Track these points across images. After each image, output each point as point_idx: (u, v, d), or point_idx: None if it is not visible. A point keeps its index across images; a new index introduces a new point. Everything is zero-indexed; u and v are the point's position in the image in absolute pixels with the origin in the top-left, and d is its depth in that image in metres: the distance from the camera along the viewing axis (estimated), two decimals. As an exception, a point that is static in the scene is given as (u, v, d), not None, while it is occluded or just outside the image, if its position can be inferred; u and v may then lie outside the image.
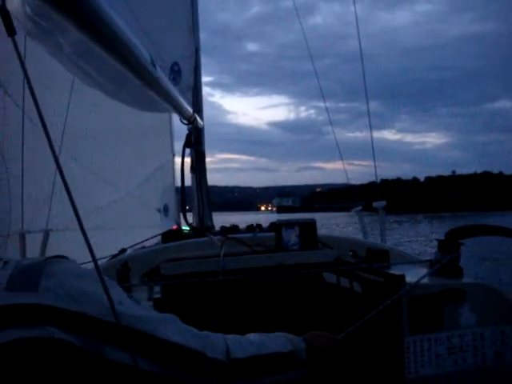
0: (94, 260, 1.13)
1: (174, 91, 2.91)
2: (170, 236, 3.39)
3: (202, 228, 3.85)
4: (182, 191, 3.95)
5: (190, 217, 4.46)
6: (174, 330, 1.22)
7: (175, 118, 5.28)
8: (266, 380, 1.39)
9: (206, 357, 1.25)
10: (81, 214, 3.92)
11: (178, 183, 4.94)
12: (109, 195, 4.66)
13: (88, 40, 1.68)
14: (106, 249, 3.34)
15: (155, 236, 3.90)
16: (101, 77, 2.37)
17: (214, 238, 3.08)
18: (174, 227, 5.09)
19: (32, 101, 1.09)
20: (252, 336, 1.46)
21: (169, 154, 5.35)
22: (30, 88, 1.14)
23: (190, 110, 3.60)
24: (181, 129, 5.35)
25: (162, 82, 2.51)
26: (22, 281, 1.09)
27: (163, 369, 1.17)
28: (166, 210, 5.21)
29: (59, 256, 1.24)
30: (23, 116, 3.77)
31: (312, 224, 2.95)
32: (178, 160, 5.30)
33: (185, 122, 3.80)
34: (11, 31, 1.12)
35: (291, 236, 2.91)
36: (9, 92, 3.82)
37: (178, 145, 5.34)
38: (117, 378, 1.11)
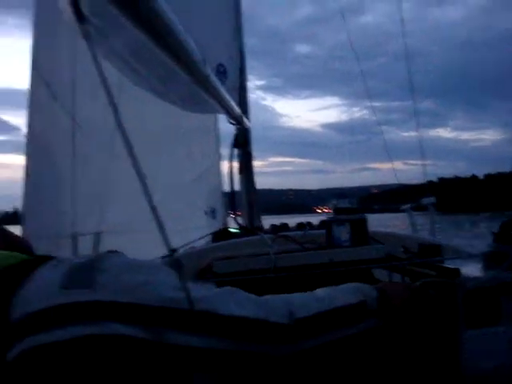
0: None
1: (223, 91, 2.91)
2: (221, 235, 3.42)
3: (252, 227, 3.85)
4: (232, 192, 3.96)
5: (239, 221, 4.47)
6: (235, 303, 1.21)
7: (220, 120, 5.33)
8: (335, 334, 1.36)
9: (269, 322, 1.23)
10: (130, 216, 3.96)
11: (225, 186, 4.96)
12: (156, 197, 4.67)
13: (144, 37, 1.68)
14: (154, 250, 3.36)
15: (206, 235, 3.91)
16: (151, 76, 2.39)
17: (264, 236, 3.08)
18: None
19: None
20: (320, 292, 1.44)
21: (215, 156, 5.36)
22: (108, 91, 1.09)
23: (238, 110, 3.60)
24: (226, 132, 5.31)
25: (212, 80, 2.51)
26: (77, 278, 1.09)
27: (229, 344, 1.16)
28: (213, 212, 5.22)
29: (110, 251, 1.24)
30: (73, 119, 3.84)
31: (363, 220, 2.93)
32: (224, 163, 5.34)
33: (232, 122, 3.81)
34: (81, 16, 1.08)
35: (342, 233, 2.91)
36: (57, 94, 3.90)
37: (224, 148, 5.38)
38: (184, 362, 1.10)
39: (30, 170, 3.54)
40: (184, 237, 4.37)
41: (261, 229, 3.83)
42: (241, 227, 3.81)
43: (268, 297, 1.32)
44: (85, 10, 1.09)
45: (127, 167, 3.71)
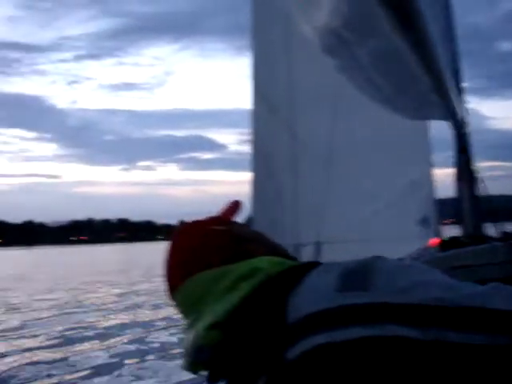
0: None
1: (453, 94, 2.80)
2: (449, 244, 3.32)
3: (481, 235, 3.69)
4: (456, 199, 3.82)
5: (451, 229, 4.32)
6: (503, 298, 1.14)
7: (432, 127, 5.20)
8: None
9: None
10: (345, 226, 3.96)
11: (438, 194, 4.78)
12: (370, 207, 4.67)
13: (397, 42, 1.65)
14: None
15: (423, 246, 3.82)
16: (386, 84, 2.36)
17: (496, 244, 2.94)
18: (435, 240, 4.93)
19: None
20: None
21: (427, 164, 5.21)
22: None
23: (462, 114, 3.45)
24: (435, 138, 5.14)
25: (448, 84, 2.42)
26: (352, 281, 1.07)
27: (505, 339, 1.09)
28: (425, 221, 5.07)
29: (376, 256, 1.22)
30: (290, 132, 3.95)
31: None
32: (436, 171, 5.18)
33: (455, 127, 3.67)
34: None
35: None
36: (275, 109, 4.06)
37: (435, 155, 5.24)
38: (457, 360, 1.05)
39: (255, 183, 3.71)
40: (396, 246, 4.30)
41: (490, 237, 3.67)
42: (469, 236, 3.67)
43: None
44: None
45: (343, 178, 3.76)
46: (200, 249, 1.29)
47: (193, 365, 1.20)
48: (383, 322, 1.00)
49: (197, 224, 1.36)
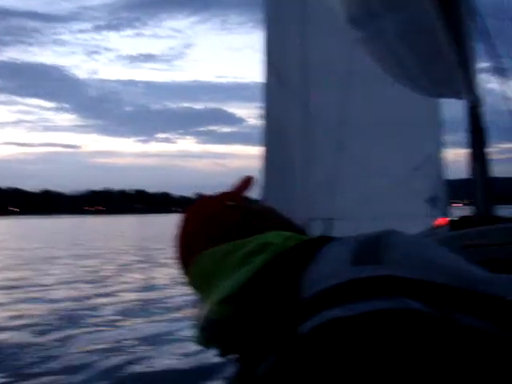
0: None
1: (473, 71, 2.76)
2: (460, 223, 3.30)
3: (493, 216, 3.68)
4: (469, 180, 3.80)
5: (462, 211, 4.33)
6: (502, 286, 1.12)
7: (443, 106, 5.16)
8: None
9: None
10: (351, 204, 3.95)
11: (448, 174, 4.77)
12: (377, 185, 4.66)
13: (433, 15, 1.61)
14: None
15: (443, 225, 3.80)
16: (410, 58, 2.32)
17: (509, 224, 2.93)
18: (443, 219, 4.92)
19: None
20: None
21: (437, 143, 5.18)
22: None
23: (477, 92, 3.40)
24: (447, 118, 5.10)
25: (472, 60, 2.38)
26: (366, 254, 1.07)
27: (493, 327, 1.07)
28: (434, 200, 5.06)
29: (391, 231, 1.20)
30: (302, 105, 3.91)
31: None
32: (448, 151, 5.17)
33: (471, 105, 3.62)
34: None
35: None
36: (286, 81, 4.02)
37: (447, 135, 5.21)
38: (468, 343, 1.04)
39: (266, 157, 3.69)
40: (405, 224, 4.28)
41: (502, 218, 3.65)
42: (480, 216, 3.67)
43: None
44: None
45: (353, 155, 3.72)
46: (211, 224, 1.29)
47: (205, 339, 1.20)
48: (396, 295, 0.99)
49: (208, 200, 1.36)
